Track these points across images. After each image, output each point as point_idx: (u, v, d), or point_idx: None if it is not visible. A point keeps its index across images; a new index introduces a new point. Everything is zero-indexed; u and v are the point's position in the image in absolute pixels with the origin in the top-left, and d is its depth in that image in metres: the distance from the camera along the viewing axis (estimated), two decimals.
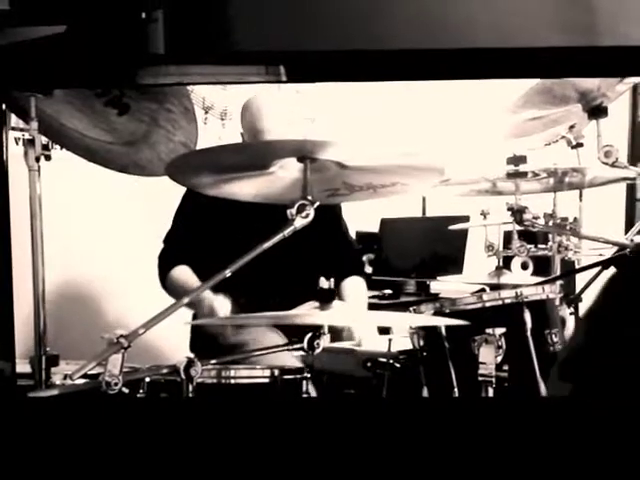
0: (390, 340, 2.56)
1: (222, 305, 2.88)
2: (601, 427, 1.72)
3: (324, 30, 2.61)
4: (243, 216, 2.82)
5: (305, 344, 2.35)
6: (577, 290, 3.16)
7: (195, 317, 3.01)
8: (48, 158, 2.37)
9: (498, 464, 1.76)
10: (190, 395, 2.16)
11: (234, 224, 3.03)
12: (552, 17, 2.52)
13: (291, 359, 2.54)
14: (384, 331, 2.99)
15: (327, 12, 2.63)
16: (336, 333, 2.87)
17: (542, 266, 3.11)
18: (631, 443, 1.69)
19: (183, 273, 3.09)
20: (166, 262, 3.12)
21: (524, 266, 3.09)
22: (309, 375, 2.36)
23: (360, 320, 2.78)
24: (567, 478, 1.80)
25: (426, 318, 2.45)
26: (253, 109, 3.11)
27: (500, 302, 2.44)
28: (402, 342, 2.58)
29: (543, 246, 3.21)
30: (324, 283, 2.34)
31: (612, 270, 1.86)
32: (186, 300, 2.19)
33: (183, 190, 3.09)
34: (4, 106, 2.34)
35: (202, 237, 3.11)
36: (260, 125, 3.07)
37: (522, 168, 2.82)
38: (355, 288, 3.27)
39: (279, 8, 2.66)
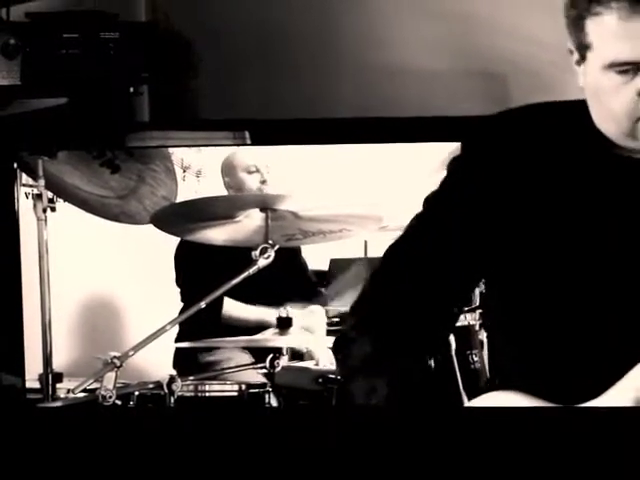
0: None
1: None
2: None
3: (283, 101, 2.73)
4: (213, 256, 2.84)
5: (267, 363, 2.42)
6: None
7: (178, 338, 3.01)
8: (53, 210, 2.45)
9: (424, 465, 1.87)
10: (172, 406, 2.25)
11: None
12: (471, 89, 2.64)
13: (256, 376, 2.61)
14: None
15: (284, 87, 2.76)
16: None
17: None
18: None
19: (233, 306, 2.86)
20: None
21: None
22: (271, 389, 2.44)
23: (313, 343, 2.85)
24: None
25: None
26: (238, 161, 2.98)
27: None
28: None
29: None
30: (282, 312, 2.44)
31: None
32: (169, 326, 2.27)
33: (164, 235, 3.08)
34: (15, 165, 2.43)
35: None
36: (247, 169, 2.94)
37: None
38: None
39: (244, 84, 2.79)
